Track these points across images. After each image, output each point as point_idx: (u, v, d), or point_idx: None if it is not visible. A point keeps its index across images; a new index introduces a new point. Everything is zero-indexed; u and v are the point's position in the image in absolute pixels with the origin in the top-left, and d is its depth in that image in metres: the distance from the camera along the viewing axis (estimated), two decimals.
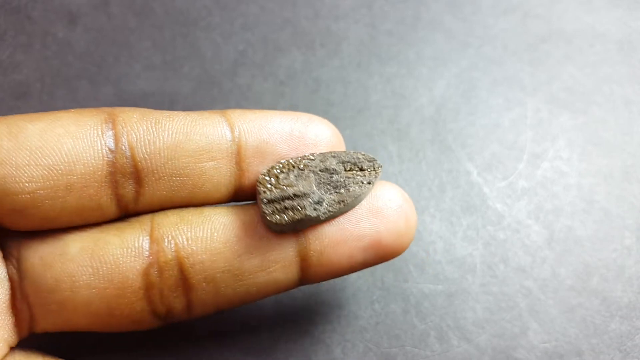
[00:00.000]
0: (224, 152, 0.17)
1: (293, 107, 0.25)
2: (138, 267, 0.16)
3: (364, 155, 0.17)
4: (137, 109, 0.16)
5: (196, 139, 0.16)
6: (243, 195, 0.17)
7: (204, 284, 0.16)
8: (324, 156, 0.17)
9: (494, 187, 0.23)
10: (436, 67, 0.26)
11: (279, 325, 0.21)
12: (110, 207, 0.16)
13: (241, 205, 0.17)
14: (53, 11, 0.27)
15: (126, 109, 0.16)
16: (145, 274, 0.16)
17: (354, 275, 0.22)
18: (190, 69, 0.26)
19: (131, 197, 0.16)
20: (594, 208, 0.23)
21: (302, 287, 0.22)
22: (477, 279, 0.22)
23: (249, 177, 0.17)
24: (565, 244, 0.22)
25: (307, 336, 0.21)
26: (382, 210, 0.17)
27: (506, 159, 0.24)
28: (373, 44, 0.26)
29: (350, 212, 0.17)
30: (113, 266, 0.16)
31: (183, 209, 0.17)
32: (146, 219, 0.17)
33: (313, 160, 0.17)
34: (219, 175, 0.17)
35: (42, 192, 0.15)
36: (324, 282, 0.22)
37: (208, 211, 0.17)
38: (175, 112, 0.17)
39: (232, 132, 0.17)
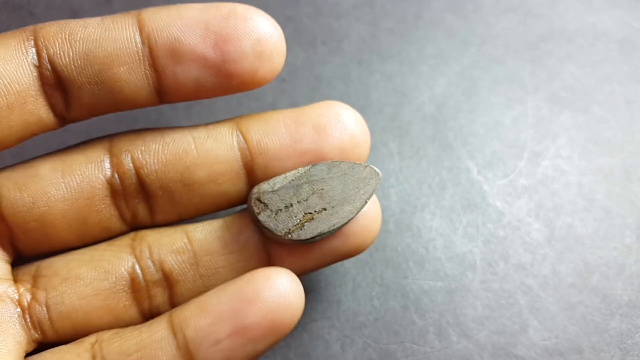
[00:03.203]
0: (134, 55, 0.17)
1: (294, 104, 0.25)
2: (102, 177, 0.18)
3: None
4: (57, 22, 0.17)
5: (105, 45, 0.16)
6: (169, 97, 0.18)
7: (160, 192, 0.18)
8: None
9: (494, 184, 0.23)
10: (437, 65, 0.26)
11: None
12: (49, 117, 0.17)
13: (195, 125, 0.18)
14: (55, 8, 0.27)
15: (47, 24, 0.17)
16: (109, 183, 0.18)
17: (353, 272, 0.22)
18: None
19: (62, 105, 0.17)
20: (594, 206, 0.23)
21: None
22: (477, 276, 0.22)
23: (167, 79, 0.17)
24: (566, 241, 0.22)
25: (305, 332, 0.21)
26: (326, 127, 0.18)
27: (507, 157, 0.24)
28: (374, 42, 0.26)
29: (294, 129, 0.18)
30: (81, 178, 0.17)
31: (141, 129, 0.18)
32: (105, 139, 0.18)
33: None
34: (135, 79, 0.17)
35: None
36: (323, 279, 0.22)
37: (163, 129, 0.18)
38: (91, 20, 0.17)
39: (141, 33, 0.17)
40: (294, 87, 0.25)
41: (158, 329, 0.17)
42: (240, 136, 0.18)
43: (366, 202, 0.18)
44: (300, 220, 0.17)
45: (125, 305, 0.18)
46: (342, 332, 0.21)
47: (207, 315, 0.16)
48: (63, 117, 0.18)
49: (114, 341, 0.17)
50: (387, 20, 0.27)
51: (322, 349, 0.21)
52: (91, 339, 0.17)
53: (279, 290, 0.16)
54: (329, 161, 0.18)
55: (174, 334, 0.16)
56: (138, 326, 0.17)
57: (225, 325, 0.16)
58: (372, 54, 0.26)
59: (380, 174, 0.18)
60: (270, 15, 0.27)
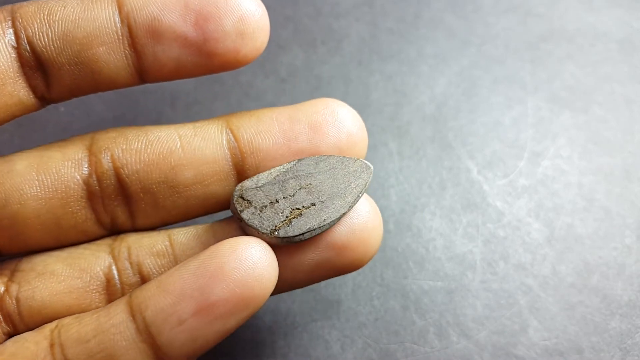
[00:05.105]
0: (113, 35, 0.16)
1: (294, 104, 0.25)
2: (78, 177, 0.17)
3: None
4: (35, 1, 0.16)
5: (84, 25, 0.16)
6: (150, 77, 0.17)
7: (141, 194, 0.17)
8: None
9: (494, 184, 0.23)
10: (437, 65, 0.26)
11: (277, 321, 0.21)
12: (29, 99, 0.17)
13: (180, 124, 0.17)
14: None
15: (25, 3, 0.16)
16: (86, 183, 0.17)
17: (353, 272, 0.22)
18: None
19: (43, 86, 0.17)
20: (594, 206, 0.23)
21: None
22: (477, 276, 0.22)
23: (147, 59, 0.16)
24: (566, 241, 0.22)
25: (306, 332, 0.21)
26: (322, 125, 0.17)
27: (507, 157, 0.24)
28: (374, 42, 0.26)
29: (288, 127, 0.17)
30: (56, 177, 0.17)
31: (125, 127, 0.18)
32: (87, 135, 0.17)
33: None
34: (114, 59, 0.16)
35: None
36: None
37: (147, 127, 0.17)
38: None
39: (120, 12, 0.16)
40: (294, 87, 0.25)
41: (116, 312, 0.16)
42: (231, 134, 0.17)
43: (358, 196, 0.16)
44: (287, 217, 0.16)
45: (99, 307, 0.17)
46: (342, 332, 0.21)
47: (167, 294, 0.15)
48: (44, 98, 0.17)
49: (72, 327, 0.16)
50: (387, 20, 0.27)
51: (322, 349, 0.21)
52: (52, 325, 0.16)
53: (246, 261, 0.15)
54: (317, 155, 0.17)
55: (133, 316, 0.15)
56: (97, 310, 0.16)
57: (188, 303, 0.15)
58: (372, 54, 0.26)
59: (372, 167, 0.17)
60: (270, 15, 0.27)
